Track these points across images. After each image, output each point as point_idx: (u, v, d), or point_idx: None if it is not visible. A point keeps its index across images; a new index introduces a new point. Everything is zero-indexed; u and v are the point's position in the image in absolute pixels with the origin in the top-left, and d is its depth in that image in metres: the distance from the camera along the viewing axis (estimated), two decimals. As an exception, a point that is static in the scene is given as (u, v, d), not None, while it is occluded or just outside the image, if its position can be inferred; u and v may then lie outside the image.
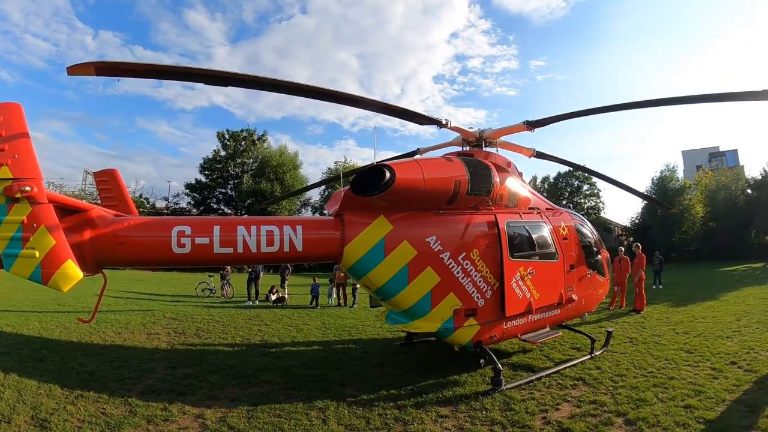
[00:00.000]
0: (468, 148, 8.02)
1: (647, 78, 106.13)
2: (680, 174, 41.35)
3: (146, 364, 7.70)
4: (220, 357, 8.48)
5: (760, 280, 19.25)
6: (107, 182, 9.00)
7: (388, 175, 5.95)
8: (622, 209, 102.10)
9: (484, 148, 7.96)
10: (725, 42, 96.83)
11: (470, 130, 7.79)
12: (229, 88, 5.56)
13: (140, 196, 48.03)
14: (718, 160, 48.85)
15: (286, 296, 18.56)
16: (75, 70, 4.49)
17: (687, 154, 52.52)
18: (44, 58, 74.86)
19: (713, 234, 35.56)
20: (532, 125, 7.40)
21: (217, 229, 5.88)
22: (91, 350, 8.28)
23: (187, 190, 49.74)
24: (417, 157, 7.98)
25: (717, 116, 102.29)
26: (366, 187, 6.10)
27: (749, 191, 36.07)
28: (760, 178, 35.59)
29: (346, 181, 8.19)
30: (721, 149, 51.84)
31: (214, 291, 19.28)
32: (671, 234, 36.21)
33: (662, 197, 33.60)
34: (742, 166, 43.45)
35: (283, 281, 19.45)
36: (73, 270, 4.85)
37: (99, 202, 9.15)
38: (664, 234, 35.51)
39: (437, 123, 7.05)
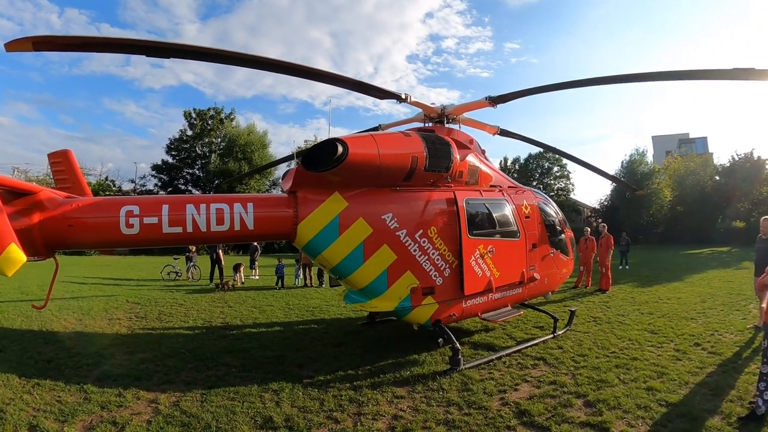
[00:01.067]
0: (430, 125, 7.84)
1: (621, 67, 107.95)
2: (650, 158, 42.25)
3: (105, 350, 7.44)
4: (179, 341, 8.26)
5: (726, 263, 19.64)
6: (61, 163, 8.61)
7: (340, 149, 5.70)
8: (591, 191, 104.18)
9: (446, 125, 7.78)
10: (706, 35, 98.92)
11: (432, 106, 7.60)
12: (199, 64, 5.28)
13: (106, 178, 46.47)
14: (688, 147, 49.91)
15: (253, 277, 18.27)
16: (13, 46, 4.14)
17: (657, 140, 53.65)
18: (7, 38, 70.03)
19: (680, 218, 36.59)
20: (494, 101, 7.23)
21: (165, 208, 5.63)
22: (51, 338, 7.99)
23: (154, 172, 48.33)
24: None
25: (688, 104, 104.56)
26: (318, 162, 5.86)
27: (717, 178, 36.99)
28: (728, 165, 36.50)
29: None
30: (691, 136, 53.07)
31: (180, 274, 18.83)
32: (639, 216, 37.17)
33: (631, 180, 34.31)
34: (711, 154, 44.52)
35: (252, 263, 19.17)
36: (16, 254, 4.63)
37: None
38: (632, 216, 36.35)
39: (396, 97, 6.80)
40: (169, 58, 5.13)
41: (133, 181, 49.70)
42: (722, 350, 7.07)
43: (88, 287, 15.41)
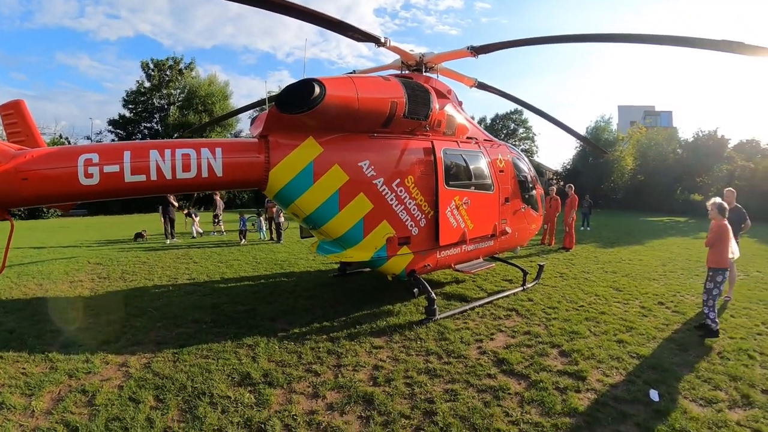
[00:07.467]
0: (407, 72, 7.56)
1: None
2: (614, 127, 43.07)
3: (68, 315, 7.04)
4: (146, 299, 7.92)
5: (683, 231, 19.91)
6: (12, 116, 7.87)
7: (317, 90, 5.38)
8: (554, 155, 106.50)
9: (424, 74, 7.53)
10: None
11: (411, 53, 7.30)
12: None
13: (60, 136, 43.56)
14: (653, 119, 51.05)
15: (214, 233, 18.01)
16: None
17: (623, 109, 54.81)
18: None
19: (641, 186, 37.61)
20: (476, 51, 7.01)
21: (127, 154, 5.23)
22: (11, 307, 7.43)
23: (111, 127, 45.66)
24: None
25: (656, 78, 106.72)
26: (293, 103, 5.53)
27: (680, 151, 38.01)
28: (691, 140, 37.50)
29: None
30: (657, 109, 54.34)
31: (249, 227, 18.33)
32: (600, 182, 37.98)
33: (594, 147, 34.83)
34: (675, 128, 45.63)
35: (216, 218, 18.95)
36: None
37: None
38: (593, 181, 37.03)
39: (375, 40, 6.43)
40: None
41: (89, 138, 46.93)
42: (685, 310, 7.23)
43: (47, 251, 14.53)
